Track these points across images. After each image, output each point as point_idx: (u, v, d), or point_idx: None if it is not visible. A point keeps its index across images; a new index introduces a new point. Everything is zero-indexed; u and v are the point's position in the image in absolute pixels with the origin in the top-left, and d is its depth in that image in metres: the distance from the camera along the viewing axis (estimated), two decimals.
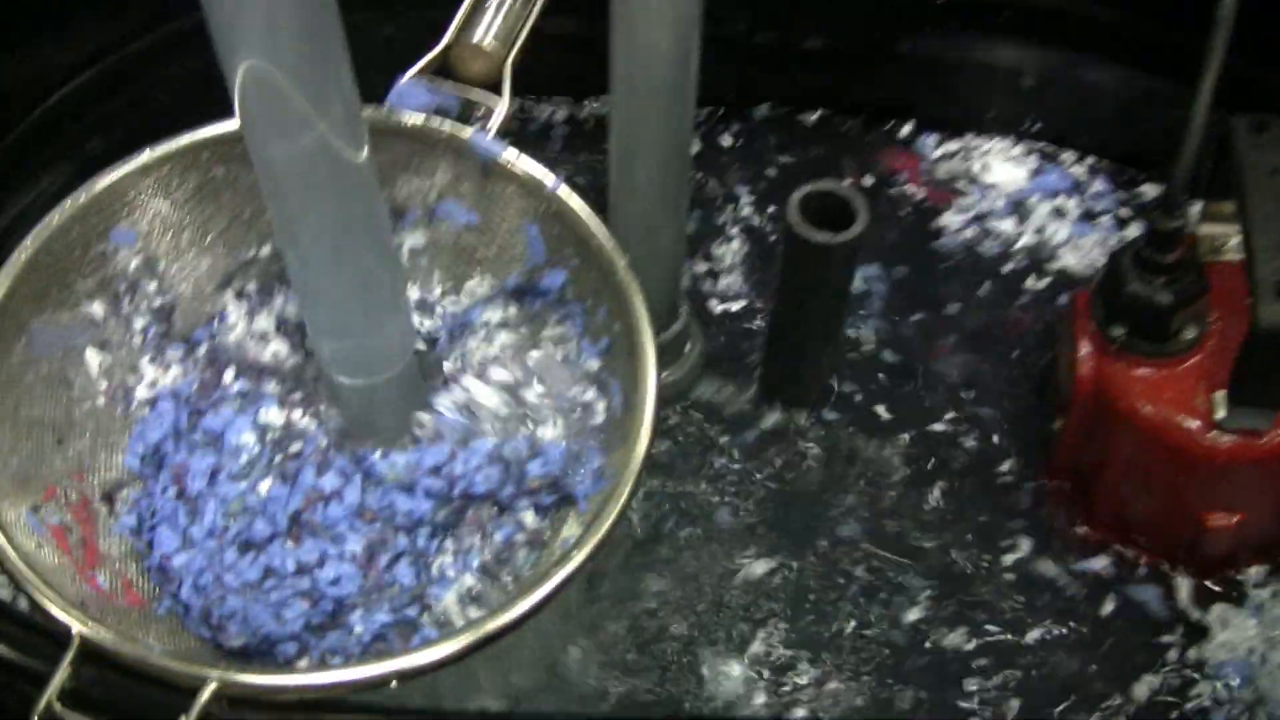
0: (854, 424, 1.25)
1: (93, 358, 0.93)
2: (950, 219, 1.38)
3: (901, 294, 1.33)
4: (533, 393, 0.93)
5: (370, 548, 0.88)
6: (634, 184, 1.08)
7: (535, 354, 0.95)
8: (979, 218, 1.38)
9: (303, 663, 0.87)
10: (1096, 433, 1.15)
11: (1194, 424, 1.09)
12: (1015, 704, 1.12)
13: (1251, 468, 1.10)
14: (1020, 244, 1.36)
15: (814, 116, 1.45)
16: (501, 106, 0.96)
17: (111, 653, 0.78)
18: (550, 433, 0.92)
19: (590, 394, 0.92)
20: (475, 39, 0.98)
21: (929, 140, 1.44)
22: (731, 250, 1.35)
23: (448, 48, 0.99)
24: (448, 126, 0.94)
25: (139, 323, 0.94)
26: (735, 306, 1.31)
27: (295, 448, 0.92)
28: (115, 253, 0.93)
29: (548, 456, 0.91)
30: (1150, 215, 1.06)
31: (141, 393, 0.94)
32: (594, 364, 0.93)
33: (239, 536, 0.88)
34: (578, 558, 0.82)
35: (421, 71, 0.97)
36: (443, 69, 0.99)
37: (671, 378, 1.22)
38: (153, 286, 0.94)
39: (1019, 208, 1.38)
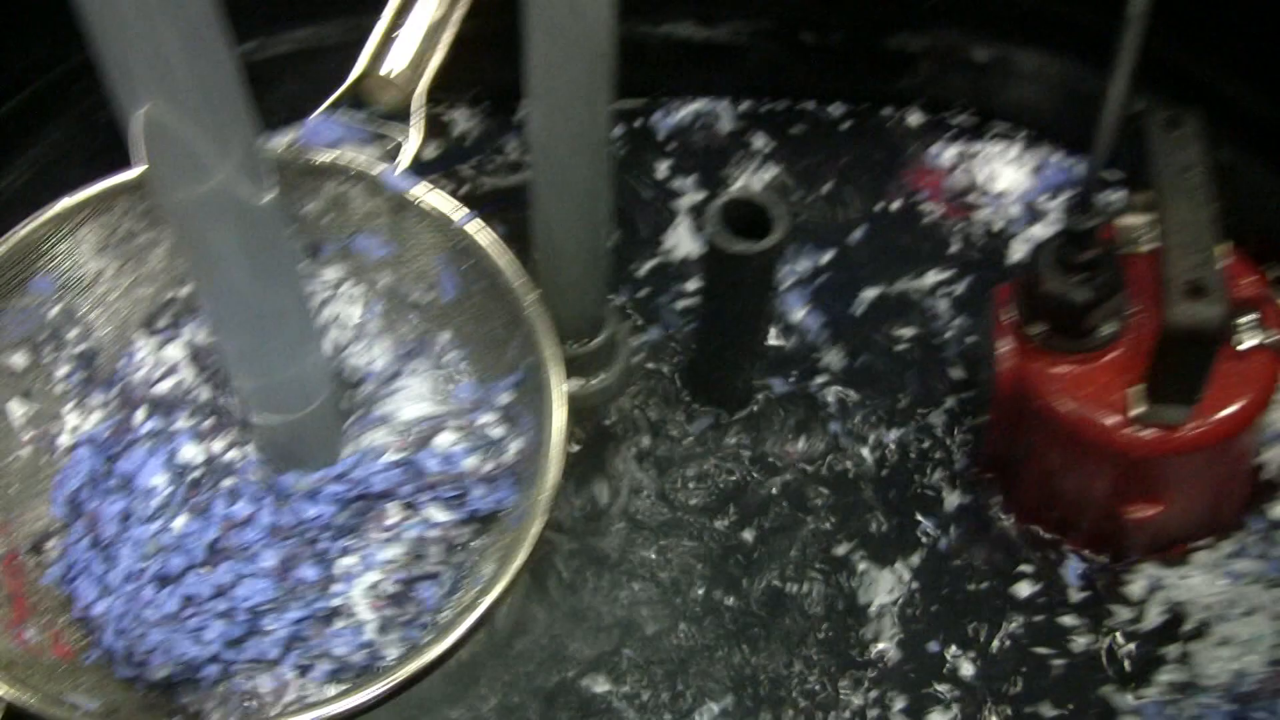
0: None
1: (16, 408, 0.96)
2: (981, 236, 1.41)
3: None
4: (448, 429, 0.97)
5: (284, 561, 0.92)
6: (554, 200, 1.10)
7: (448, 387, 0.98)
8: (1002, 232, 1.41)
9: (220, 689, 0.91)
10: (1018, 427, 1.19)
11: (1112, 419, 1.13)
12: None
13: (1169, 460, 1.14)
14: None
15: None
16: (413, 139, 0.99)
17: (37, 715, 0.82)
18: (450, 439, 0.96)
19: (501, 428, 0.96)
20: (384, 70, 1.01)
21: (944, 154, 1.47)
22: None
23: (358, 80, 1.01)
24: (359, 161, 0.97)
25: (61, 370, 0.97)
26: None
27: (210, 482, 0.95)
28: (34, 302, 0.96)
29: (447, 456, 0.95)
30: (1065, 215, 1.09)
31: (64, 440, 0.97)
32: (505, 397, 0.96)
33: (156, 574, 0.92)
34: (494, 592, 0.86)
35: (333, 106, 1.00)
36: (355, 102, 1.02)
37: (600, 384, 1.25)
38: (73, 333, 0.98)
39: (1032, 210, 1.42)
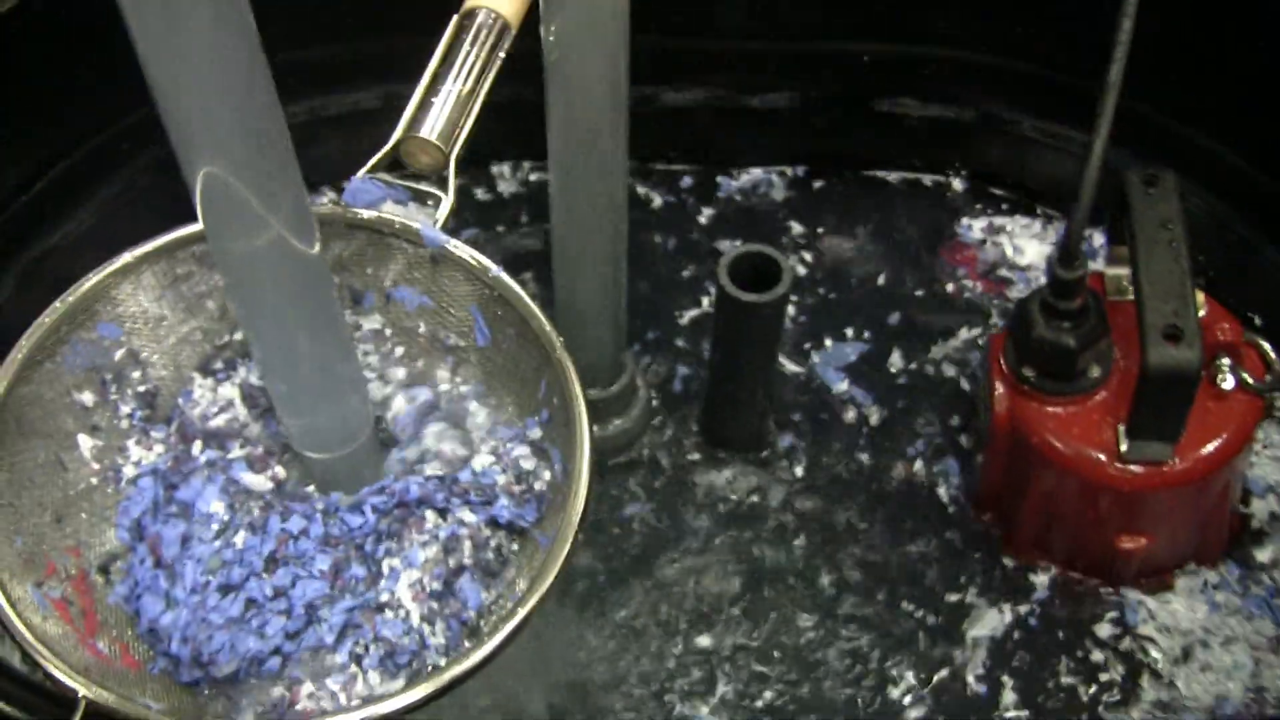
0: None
1: (85, 442, 1.05)
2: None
3: None
4: (479, 460, 1.06)
5: (335, 564, 1.01)
6: (574, 253, 1.20)
7: (482, 424, 1.08)
8: None
9: (276, 690, 1.00)
10: (1014, 466, 1.27)
11: (1101, 456, 1.21)
12: None
13: (1156, 495, 1.22)
14: None
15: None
16: (447, 199, 1.09)
17: (114, 712, 0.90)
18: (483, 462, 1.06)
19: (532, 462, 1.05)
20: (422, 133, 1.11)
21: (973, 226, 1.56)
22: None
23: (397, 144, 1.11)
24: (399, 219, 1.07)
25: (125, 408, 1.07)
26: None
27: (263, 504, 1.05)
28: (102, 346, 1.05)
29: (480, 473, 1.05)
30: (1052, 266, 1.18)
31: (129, 471, 1.06)
32: (536, 433, 1.05)
33: (219, 586, 1.01)
34: (526, 609, 0.95)
35: (373, 168, 1.10)
36: (393, 164, 1.11)
37: (621, 426, 1.34)
38: (137, 374, 1.07)
39: None
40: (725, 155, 1.59)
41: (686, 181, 1.59)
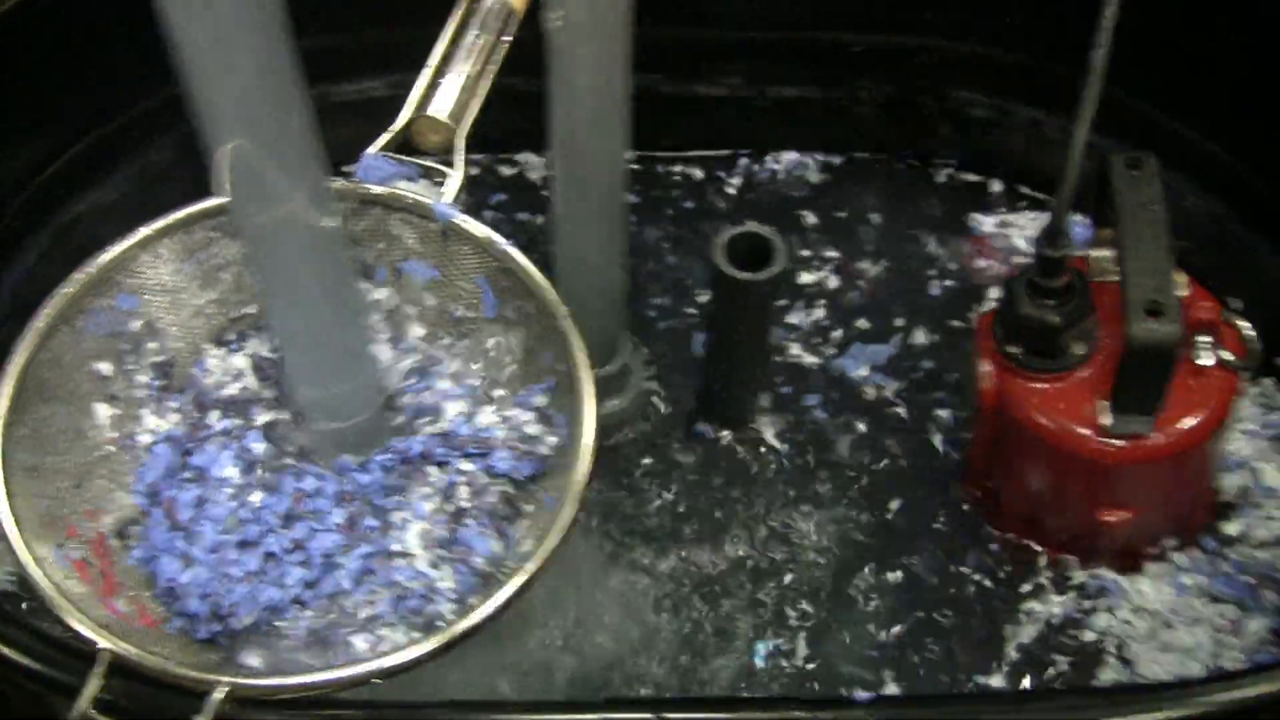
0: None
1: (102, 410, 1.09)
2: None
3: None
4: (482, 418, 1.10)
5: (350, 518, 1.06)
6: (574, 235, 1.24)
7: (488, 392, 1.12)
8: None
9: (302, 629, 1.04)
10: (1002, 442, 1.31)
11: (1086, 431, 1.25)
12: None
13: (1138, 468, 1.26)
14: None
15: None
16: (456, 175, 1.13)
17: (136, 665, 0.94)
18: (486, 419, 1.11)
19: (537, 427, 1.09)
20: (431, 111, 1.15)
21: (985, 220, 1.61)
22: None
23: (409, 123, 1.16)
24: (410, 194, 1.11)
25: (141, 378, 1.11)
26: None
27: (284, 464, 1.09)
28: (120, 316, 1.09)
29: (480, 428, 1.10)
30: (1038, 245, 1.23)
31: (144, 438, 1.10)
32: (541, 400, 1.10)
33: (237, 543, 1.05)
34: (532, 567, 0.99)
35: (385, 146, 1.14)
36: (404, 143, 1.16)
37: (617, 405, 1.38)
38: (154, 345, 1.11)
39: None
40: (754, 142, 1.66)
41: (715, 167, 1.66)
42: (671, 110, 1.60)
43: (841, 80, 1.60)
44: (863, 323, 1.52)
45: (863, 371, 1.48)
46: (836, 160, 1.65)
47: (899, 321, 1.53)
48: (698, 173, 1.65)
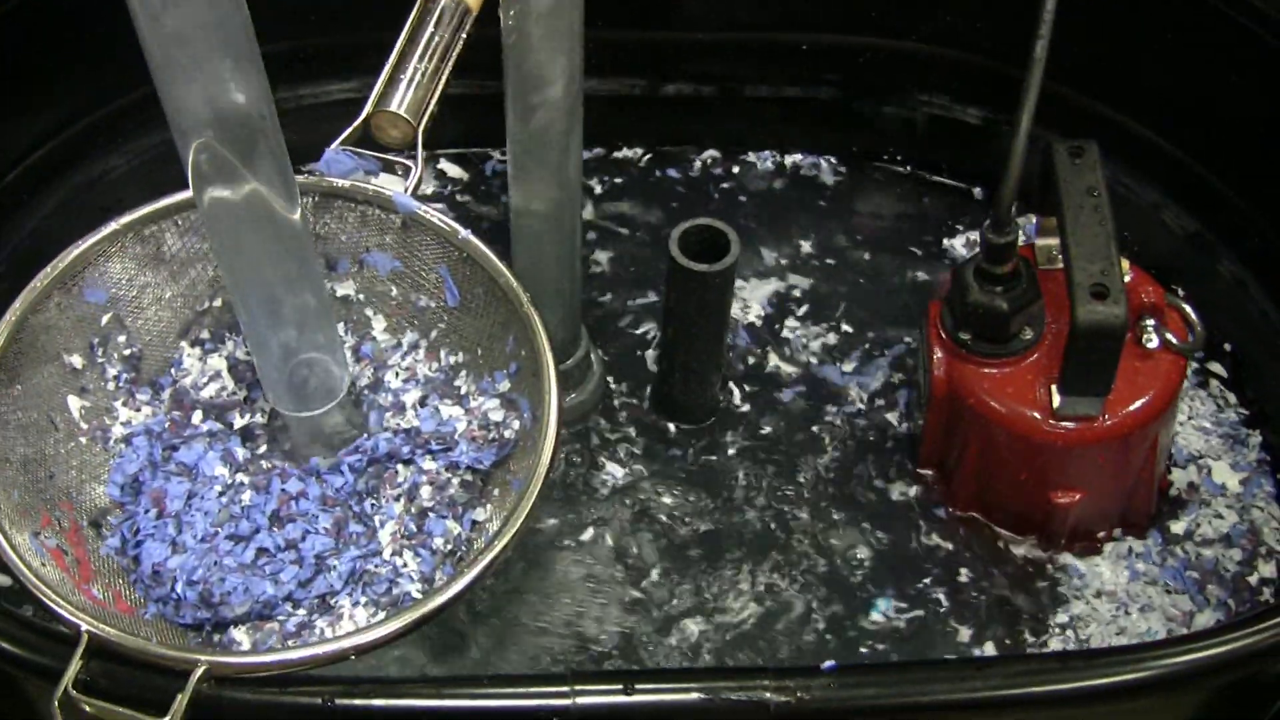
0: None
1: (73, 402, 1.13)
2: None
3: None
4: (445, 411, 1.15)
5: (336, 523, 1.10)
6: (530, 229, 1.28)
7: (453, 380, 1.16)
8: None
9: (292, 622, 1.08)
10: (954, 426, 1.37)
11: (1035, 414, 1.31)
12: None
13: (1087, 450, 1.31)
14: None
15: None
16: (416, 169, 1.17)
17: (116, 646, 0.98)
18: (449, 412, 1.16)
19: (501, 413, 1.13)
20: (392, 107, 1.19)
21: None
22: None
23: (367, 118, 1.20)
24: (371, 187, 1.16)
25: (111, 370, 1.14)
26: None
27: (262, 466, 1.13)
28: (89, 310, 1.13)
29: (442, 422, 1.15)
30: (984, 232, 1.28)
31: (117, 431, 1.14)
32: (504, 385, 1.14)
33: (228, 535, 1.09)
34: (499, 545, 1.03)
35: (345, 141, 1.18)
36: (363, 138, 1.20)
37: (576, 400, 1.43)
38: (122, 338, 1.15)
39: None
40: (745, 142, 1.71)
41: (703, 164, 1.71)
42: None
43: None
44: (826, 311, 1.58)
45: (829, 369, 1.53)
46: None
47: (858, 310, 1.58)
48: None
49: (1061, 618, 1.36)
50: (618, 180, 1.68)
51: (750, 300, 1.57)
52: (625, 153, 1.70)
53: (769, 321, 1.56)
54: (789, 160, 1.70)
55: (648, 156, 1.70)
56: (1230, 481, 1.43)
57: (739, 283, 1.56)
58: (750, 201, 1.67)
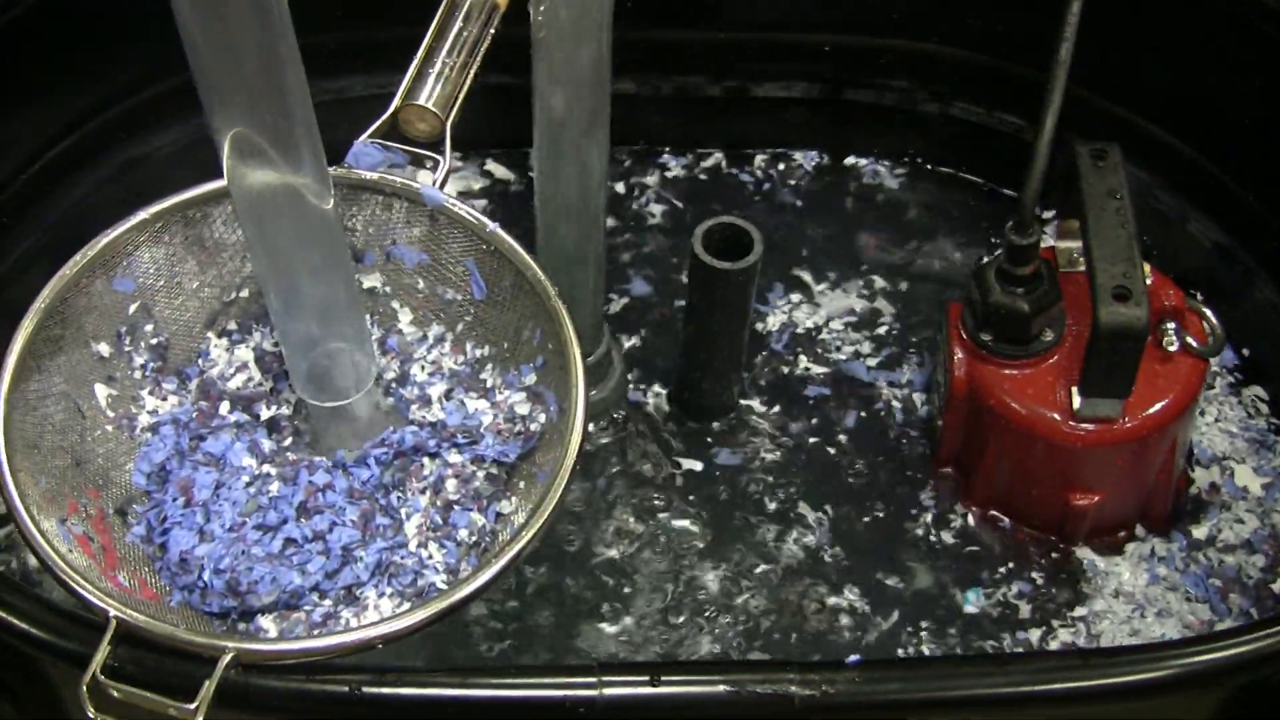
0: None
1: (101, 391, 1.14)
2: None
3: None
4: (471, 404, 1.16)
5: (364, 515, 1.11)
6: (556, 226, 1.30)
7: (480, 374, 1.17)
8: None
9: (318, 612, 1.08)
10: (973, 427, 1.38)
11: (1055, 416, 1.32)
12: None
13: (1106, 452, 1.33)
14: None
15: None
16: (445, 162, 1.18)
17: (144, 631, 0.98)
18: (475, 406, 1.17)
19: (527, 406, 1.14)
20: (420, 101, 1.20)
21: None
22: None
23: (395, 112, 1.21)
24: (399, 179, 1.17)
25: (138, 359, 1.15)
26: None
27: (288, 458, 1.14)
28: (118, 299, 1.14)
29: (468, 415, 1.16)
30: (1007, 234, 1.29)
31: (144, 420, 1.15)
32: (531, 379, 1.15)
33: (256, 525, 1.10)
34: (525, 537, 1.04)
35: (374, 134, 1.19)
36: (392, 131, 1.21)
37: (597, 396, 1.44)
38: (149, 328, 1.16)
39: None
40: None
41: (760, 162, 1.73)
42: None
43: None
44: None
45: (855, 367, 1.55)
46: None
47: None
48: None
49: (1078, 611, 1.37)
50: (647, 180, 1.70)
51: (779, 301, 1.59)
52: (667, 157, 1.73)
53: (795, 321, 1.57)
54: (828, 160, 1.72)
55: (687, 156, 1.73)
56: (1253, 485, 1.44)
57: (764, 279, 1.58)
58: (787, 202, 1.68)
